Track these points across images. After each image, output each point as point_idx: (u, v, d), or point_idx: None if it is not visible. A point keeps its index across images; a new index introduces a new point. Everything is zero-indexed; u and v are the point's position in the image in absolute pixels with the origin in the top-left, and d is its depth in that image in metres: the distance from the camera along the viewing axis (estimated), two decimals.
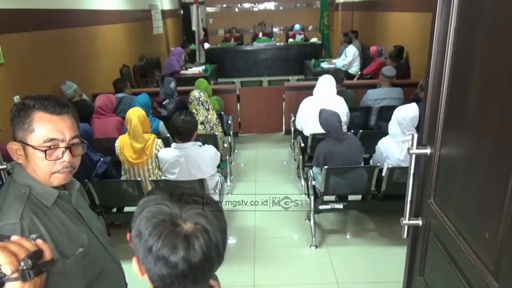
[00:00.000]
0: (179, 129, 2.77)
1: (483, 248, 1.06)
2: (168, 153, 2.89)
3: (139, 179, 2.96)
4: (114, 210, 3.30)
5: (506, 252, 0.95)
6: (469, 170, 1.15)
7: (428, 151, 1.39)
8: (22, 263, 0.72)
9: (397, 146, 2.97)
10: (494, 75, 1.02)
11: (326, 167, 2.89)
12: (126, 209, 3.30)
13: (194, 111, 3.79)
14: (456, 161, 1.23)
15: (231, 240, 3.29)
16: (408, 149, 1.41)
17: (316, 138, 3.68)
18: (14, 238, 0.77)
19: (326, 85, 3.89)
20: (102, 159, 3.01)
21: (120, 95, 4.45)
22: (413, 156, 1.41)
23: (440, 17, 1.28)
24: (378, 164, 2.98)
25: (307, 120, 3.91)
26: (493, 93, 1.02)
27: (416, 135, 1.39)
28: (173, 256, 0.67)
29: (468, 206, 1.16)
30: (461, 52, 1.19)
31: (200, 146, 2.88)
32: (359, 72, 7.09)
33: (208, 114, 3.84)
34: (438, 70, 1.31)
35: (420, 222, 1.48)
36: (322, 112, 3.16)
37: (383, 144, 3.08)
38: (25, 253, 0.74)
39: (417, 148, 1.40)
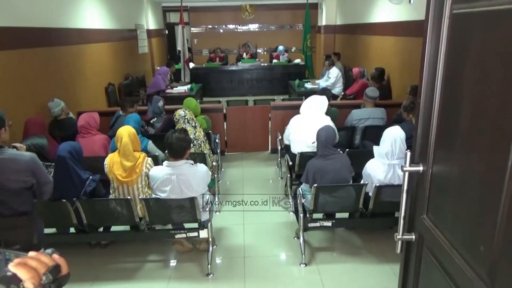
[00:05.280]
0: (173, 146, 2.78)
1: (478, 261, 1.12)
2: (160, 171, 2.89)
3: (128, 197, 2.94)
4: (101, 229, 3.24)
5: (501, 264, 1.01)
6: (462, 186, 1.21)
7: (420, 168, 1.45)
8: (43, 278, 0.73)
9: (383, 169, 3.03)
10: (485, 95, 1.09)
11: (315, 185, 2.94)
12: (113, 228, 3.26)
13: None
14: (449, 177, 1.30)
15: (220, 259, 3.27)
16: (402, 166, 1.47)
17: (304, 156, 3.74)
18: (31, 254, 0.78)
19: (316, 105, 3.98)
20: (91, 177, 2.98)
21: (118, 114, 4.52)
22: (406, 174, 1.47)
23: (430, 41, 1.36)
24: (366, 183, 3.05)
25: (295, 137, 3.98)
26: (484, 112, 1.09)
27: (409, 153, 1.46)
28: None
29: (462, 221, 1.22)
30: (451, 74, 1.27)
31: (192, 164, 2.89)
32: (342, 93, 7.27)
33: (195, 131, 3.86)
34: (429, 92, 1.38)
35: (413, 237, 1.53)
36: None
37: (369, 166, 3.13)
38: (44, 268, 0.75)
39: (410, 165, 1.47)
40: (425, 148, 1.42)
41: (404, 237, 1.53)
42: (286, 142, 4.20)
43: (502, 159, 0.98)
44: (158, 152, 3.79)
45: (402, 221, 1.52)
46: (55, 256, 0.81)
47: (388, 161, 2.98)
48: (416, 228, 1.52)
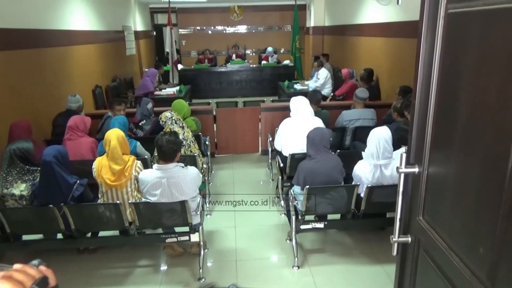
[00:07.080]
0: (163, 149, 2.73)
1: (477, 263, 1.10)
2: (150, 174, 2.83)
3: (117, 201, 2.88)
4: (89, 234, 3.17)
5: (501, 266, 0.99)
6: (460, 186, 1.20)
7: (416, 170, 1.44)
8: None
9: (369, 169, 3.03)
10: (482, 96, 1.08)
11: (307, 186, 2.92)
12: (101, 233, 3.19)
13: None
14: (445, 178, 1.28)
15: (211, 263, 3.23)
16: (397, 168, 1.46)
17: (295, 158, 3.72)
18: (16, 266, 0.73)
19: (303, 106, 3.96)
20: (78, 181, 2.91)
21: (107, 115, 4.43)
22: (402, 175, 1.46)
23: (425, 41, 1.35)
24: (358, 184, 3.04)
25: (286, 141, 3.96)
26: (482, 113, 1.08)
27: (404, 155, 1.44)
28: None
29: (460, 222, 1.20)
30: (447, 74, 1.25)
31: (183, 167, 2.84)
32: (332, 94, 7.29)
33: (184, 131, 3.81)
34: (424, 92, 1.37)
35: (409, 239, 1.51)
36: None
37: (358, 167, 3.13)
38: (31, 280, 0.71)
39: (405, 167, 1.45)
40: (421, 149, 1.41)
41: (400, 239, 1.51)
42: (277, 147, 4.16)
43: (502, 159, 0.96)
44: (146, 153, 3.73)
45: (398, 223, 1.50)
46: (42, 267, 0.76)
47: (374, 161, 2.99)
48: (412, 230, 1.50)
